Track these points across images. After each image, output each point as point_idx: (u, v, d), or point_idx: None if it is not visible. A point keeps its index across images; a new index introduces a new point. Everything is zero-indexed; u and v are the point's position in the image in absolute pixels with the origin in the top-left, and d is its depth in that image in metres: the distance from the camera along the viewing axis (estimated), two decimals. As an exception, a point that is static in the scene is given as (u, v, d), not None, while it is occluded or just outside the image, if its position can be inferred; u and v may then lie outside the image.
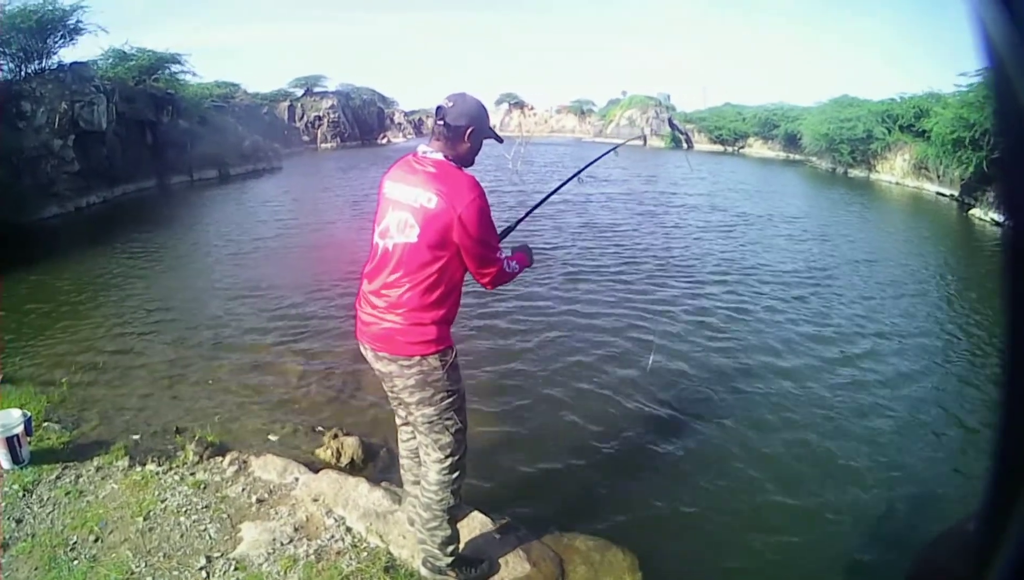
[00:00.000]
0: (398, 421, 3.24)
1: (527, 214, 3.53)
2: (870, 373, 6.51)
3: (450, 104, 2.66)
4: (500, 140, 3.00)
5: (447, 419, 2.84)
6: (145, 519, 3.51)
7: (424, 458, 2.97)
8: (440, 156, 2.68)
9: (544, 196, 3.74)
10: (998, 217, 17.07)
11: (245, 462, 4.14)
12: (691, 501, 4.38)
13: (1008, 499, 0.66)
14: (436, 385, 2.75)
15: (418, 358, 2.69)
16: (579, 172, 3.93)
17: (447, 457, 2.89)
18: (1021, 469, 0.67)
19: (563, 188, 4.04)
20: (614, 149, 4.37)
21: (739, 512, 4.28)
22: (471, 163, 2.79)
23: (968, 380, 6.53)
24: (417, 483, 3.09)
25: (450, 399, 2.82)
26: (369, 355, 2.84)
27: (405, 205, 2.62)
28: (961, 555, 0.78)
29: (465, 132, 2.66)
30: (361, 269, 2.84)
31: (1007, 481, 0.68)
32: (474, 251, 2.64)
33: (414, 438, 3.09)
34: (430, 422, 2.83)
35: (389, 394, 2.97)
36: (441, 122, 2.67)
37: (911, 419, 5.58)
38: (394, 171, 2.78)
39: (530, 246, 3.12)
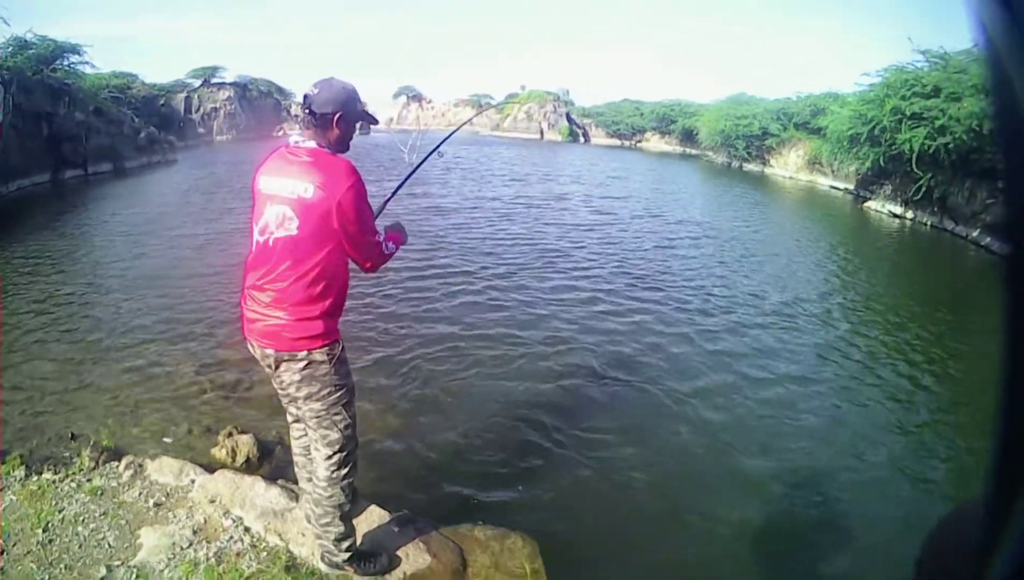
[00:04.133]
0: (289, 418, 3.23)
1: (392, 195, 3.51)
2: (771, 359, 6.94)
3: (316, 91, 2.64)
4: (374, 121, 3.01)
5: (335, 414, 2.84)
6: (44, 530, 3.43)
7: (314, 454, 2.96)
8: (313, 144, 2.65)
9: (403, 178, 3.74)
10: (896, 209, 18.20)
11: (141, 466, 4.09)
12: (588, 487, 4.57)
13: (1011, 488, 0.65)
14: (323, 379, 2.75)
15: (304, 353, 2.69)
16: (434, 149, 4.00)
17: (335, 453, 2.89)
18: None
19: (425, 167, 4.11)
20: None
21: (638, 496, 4.51)
22: (346, 148, 2.77)
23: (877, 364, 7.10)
24: (310, 480, 3.07)
25: (338, 394, 2.82)
26: (257, 352, 2.81)
27: (282, 198, 2.59)
28: (972, 534, 0.71)
29: (333, 119, 2.64)
30: (244, 266, 2.80)
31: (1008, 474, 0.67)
32: (354, 237, 2.65)
33: (306, 435, 3.08)
34: (318, 417, 2.83)
35: (279, 390, 2.95)
36: (308, 110, 2.65)
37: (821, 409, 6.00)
38: (268, 164, 2.73)
39: (401, 223, 3.13)
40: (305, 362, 2.71)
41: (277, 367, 2.76)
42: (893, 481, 4.88)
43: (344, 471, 2.95)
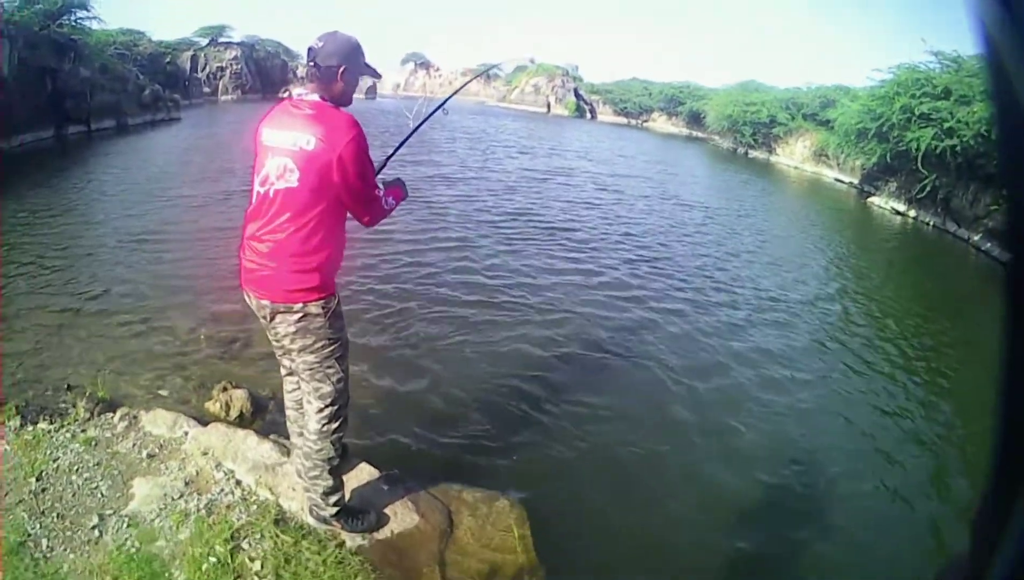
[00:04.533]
0: (283, 371, 3.25)
1: (394, 152, 3.49)
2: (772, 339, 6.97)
3: (320, 44, 2.65)
4: (377, 75, 3.00)
5: (328, 367, 2.87)
6: (38, 479, 3.45)
7: (306, 407, 2.99)
8: (316, 97, 2.66)
9: (407, 135, 3.64)
10: (899, 206, 18.26)
11: (135, 417, 4.11)
12: (578, 458, 4.61)
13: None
14: (318, 332, 2.77)
15: (300, 305, 2.70)
16: (439, 106, 3.85)
17: (327, 406, 2.92)
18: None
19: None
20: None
21: (627, 471, 4.56)
22: (349, 102, 2.78)
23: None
24: (301, 434, 3.11)
25: (332, 347, 2.84)
26: (253, 303, 2.83)
27: (284, 150, 2.59)
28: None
29: (338, 71, 2.65)
30: (244, 216, 2.81)
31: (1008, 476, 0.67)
32: (354, 189, 2.66)
33: (299, 388, 3.11)
34: (311, 369, 2.86)
35: (273, 342, 2.97)
36: (313, 64, 2.66)
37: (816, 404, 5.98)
38: (271, 117, 2.73)
39: (402, 178, 3.12)
40: (300, 314, 2.72)
41: (272, 318, 2.78)
42: (891, 477, 4.90)
43: (335, 425, 2.98)
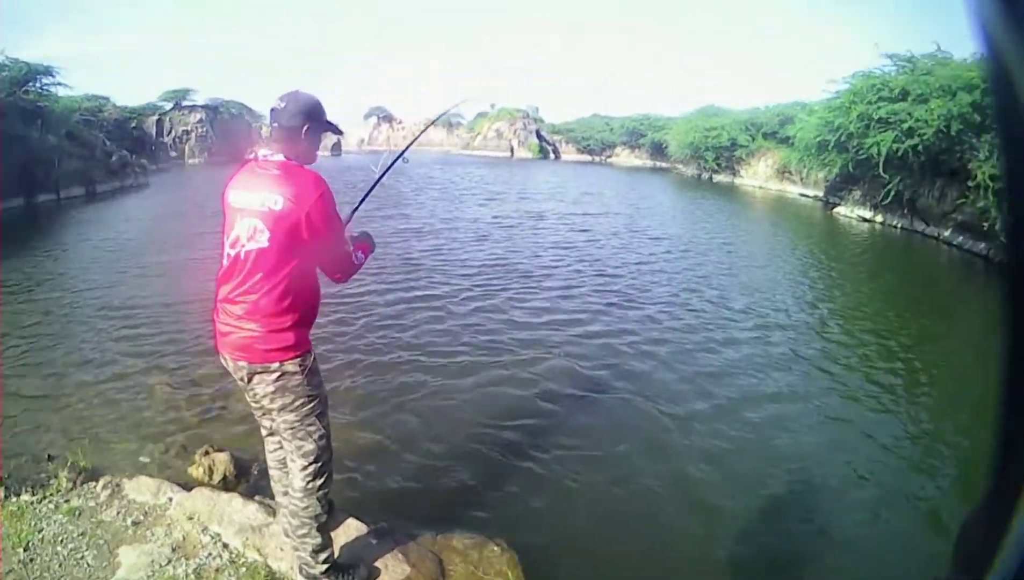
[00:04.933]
0: (264, 432, 3.22)
1: (359, 205, 3.48)
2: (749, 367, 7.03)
3: (283, 105, 2.68)
4: (340, 132, 3.04)
5: (309, 425, 2.86)
6: (25, 550, 3.42)
7: (290, 465, 2.97)
8: (282, 157, 2.68)
9: (370, 185, 3.66)
10: (865, 213, 18.64)
11: (118, 485, 4.07)
12: (566, 499, 4.63)
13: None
14: (296, 390, 2.77)
15: (277, 364, 2.70)
16: (399, 155, 4.01)
17: (311, 463, 2.91)
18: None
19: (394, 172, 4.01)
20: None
21: (616, 510, 4.56)
22: (314, 159, 2.80)
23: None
24: (286, 493, 3.08)
25: (311, 404, 2.84)
26: (230, 365, 2.82)
27: (252, 211, 2.61)
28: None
29: (302, 130, 2.69)
30: (216, 279, 2.80)
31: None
32: (324, 247, 2.70)
33: (281, 448, 3.09)
34: (292, 428, 2.85)
35: (251, 403, 2.97)
36: (276, 124, 2.69)
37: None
38: (237, 179, 2.74)
39: (368, 232, 3.14)
40: (278, 374, 2.73)
41: (250, 380, 2.78)
42: (884, 498, 4.88)
43: (320, 481, 2.97)
